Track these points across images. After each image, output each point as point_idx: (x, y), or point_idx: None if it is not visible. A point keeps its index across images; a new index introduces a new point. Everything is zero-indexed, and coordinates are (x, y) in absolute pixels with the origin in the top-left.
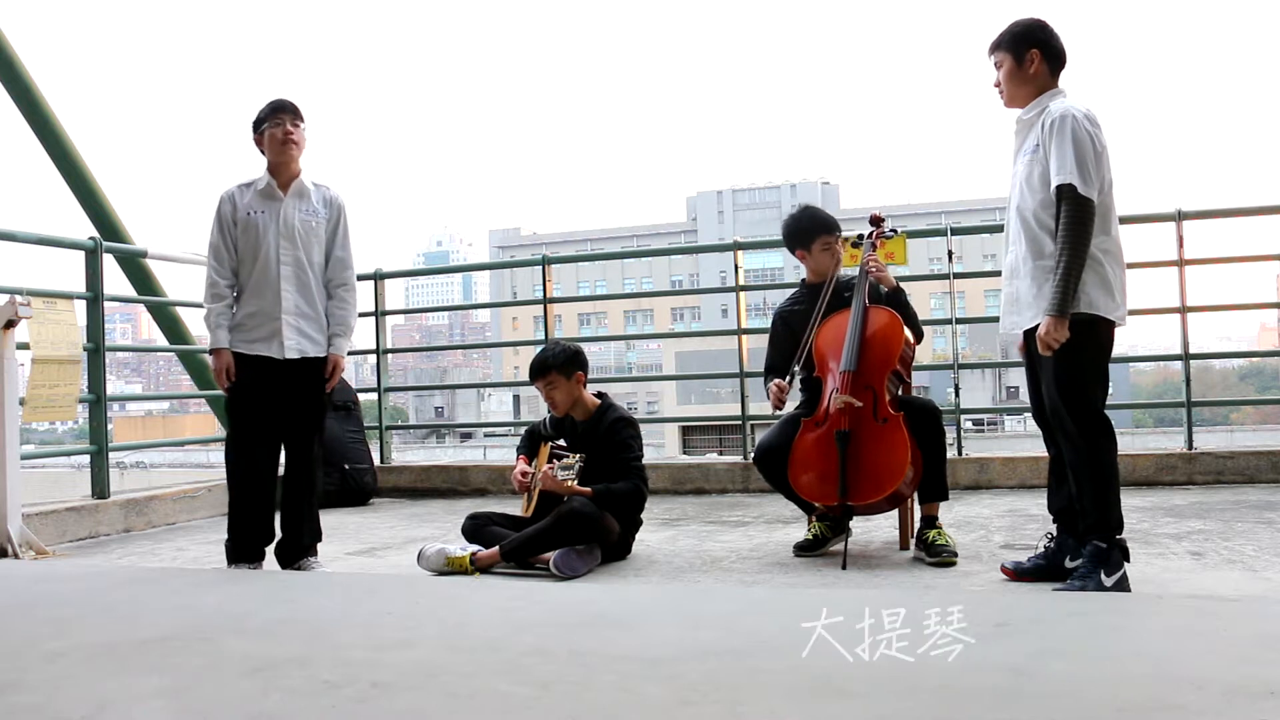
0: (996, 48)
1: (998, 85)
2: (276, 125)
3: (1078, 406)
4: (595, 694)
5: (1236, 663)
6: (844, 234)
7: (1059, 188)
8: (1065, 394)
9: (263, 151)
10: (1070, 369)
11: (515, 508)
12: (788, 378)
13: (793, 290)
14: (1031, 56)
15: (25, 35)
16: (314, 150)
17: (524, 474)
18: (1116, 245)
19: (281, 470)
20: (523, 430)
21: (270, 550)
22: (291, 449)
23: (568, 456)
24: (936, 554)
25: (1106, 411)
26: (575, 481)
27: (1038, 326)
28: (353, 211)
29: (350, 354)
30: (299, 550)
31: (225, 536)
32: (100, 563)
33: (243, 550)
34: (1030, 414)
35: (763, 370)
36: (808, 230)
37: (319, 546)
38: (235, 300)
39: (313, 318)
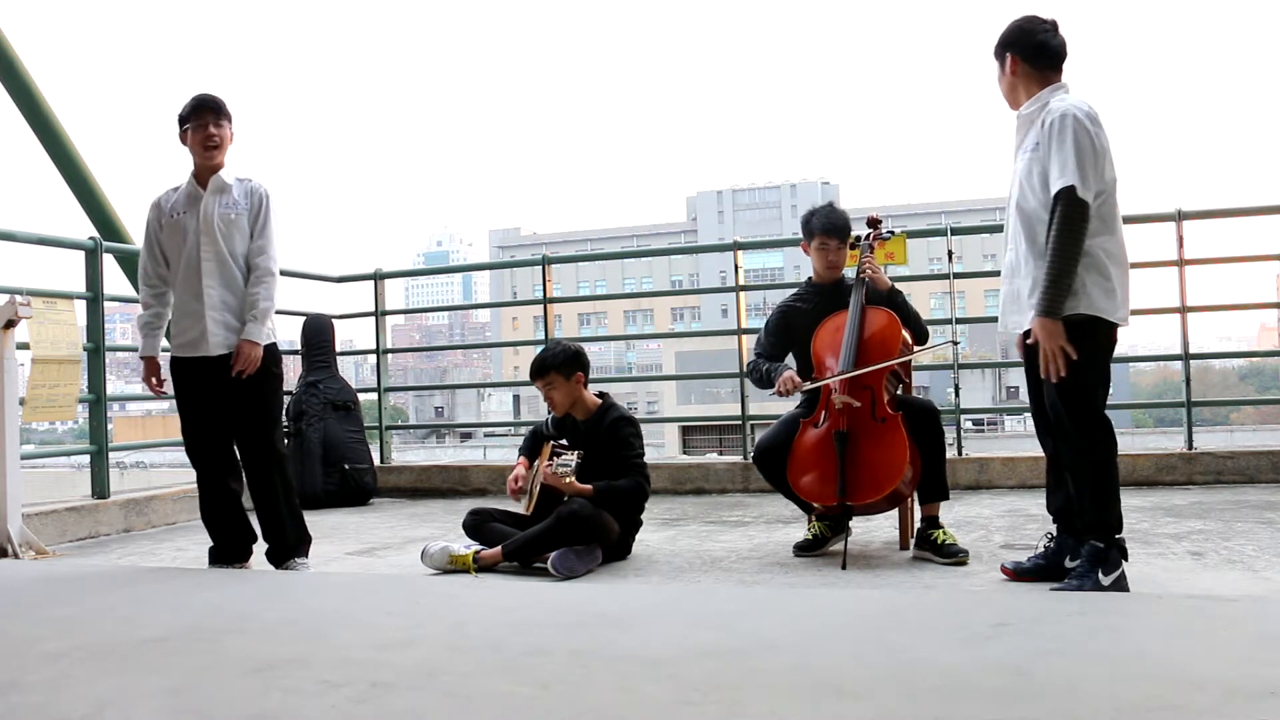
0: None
1: None
2: (199, 127)
3: (1077, 408)
4: (595, 694)
5: (1236, 663)
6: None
7: (1058, 191)
8: (1065, 395)
9: (189, 148)
10: (1071, 370)
11: (517, 505)
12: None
13: (795, 288)
14: (1009, 60)
15: (25, 35)
16: (314, 150)
17: (517, 479)
18: (1119, 246)
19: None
20: (523, 430)
21: (259, 550)
22: (245, 447)
23: (566, 453)
24: (951, 554)
25: (1106, 412)
26: (573, 478)
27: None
28: (277, 202)
29: (350, 354)
30: (283, 551)
31: None
32: (100, 563)
33: (221, 552)
34: (1030, 414)
35: (754, 355)
36: (843, 226)
37: (310, 547)
38: (170, 303)
39: (238, 310)
